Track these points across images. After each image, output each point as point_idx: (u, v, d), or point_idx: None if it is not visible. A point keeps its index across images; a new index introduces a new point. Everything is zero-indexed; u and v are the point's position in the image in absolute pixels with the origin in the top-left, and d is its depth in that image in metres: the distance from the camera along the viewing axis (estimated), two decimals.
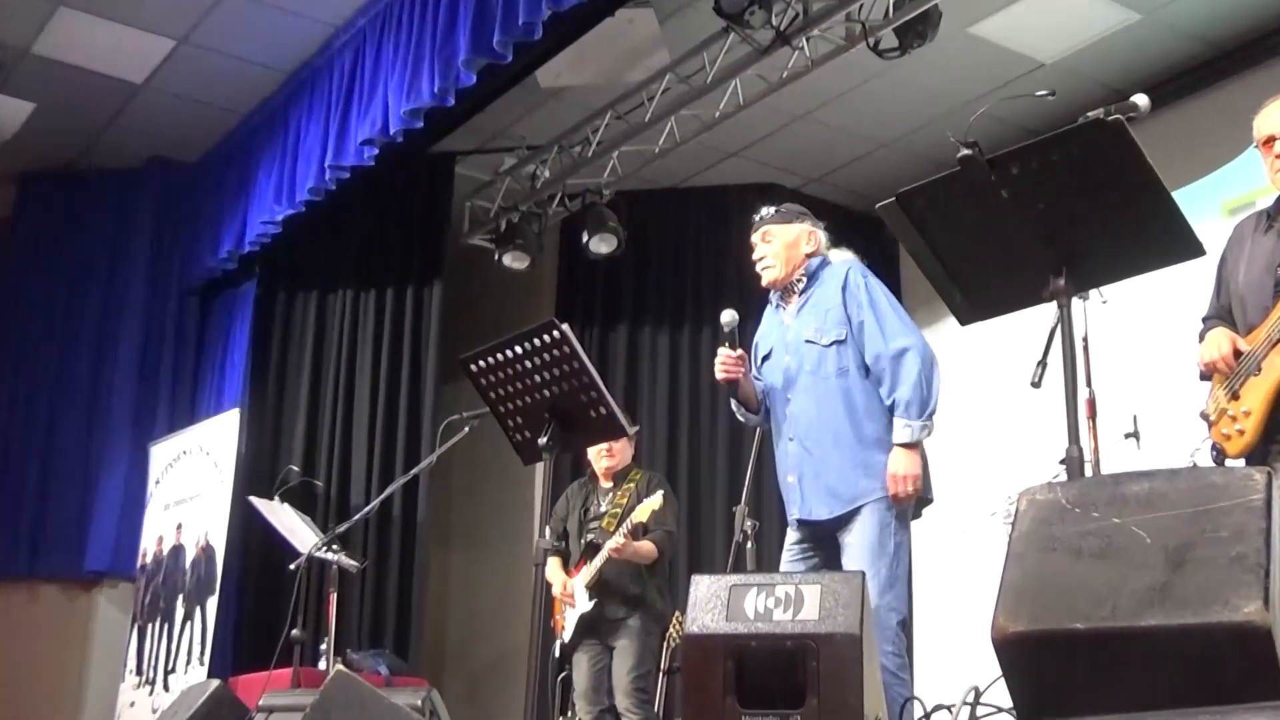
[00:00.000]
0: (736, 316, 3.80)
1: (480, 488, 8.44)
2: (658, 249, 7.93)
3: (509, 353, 3.21)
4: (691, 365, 7.73)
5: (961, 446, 7.17)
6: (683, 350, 7.75)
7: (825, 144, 7.32)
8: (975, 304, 2.81)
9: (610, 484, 5.39)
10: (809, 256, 3.91)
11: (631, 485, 5.32)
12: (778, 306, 3.95)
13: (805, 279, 3.88)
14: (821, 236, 3.97)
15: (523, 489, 7.92)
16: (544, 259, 7.73)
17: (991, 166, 2.55)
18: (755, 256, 3.93)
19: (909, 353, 3.66)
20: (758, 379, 3.93)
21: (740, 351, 3.78)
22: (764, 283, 3.90)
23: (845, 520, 3.64)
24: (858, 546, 3.60)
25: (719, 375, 3.78)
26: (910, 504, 3.64)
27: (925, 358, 3.67)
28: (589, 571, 5.14)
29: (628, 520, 5.06)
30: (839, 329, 3.74)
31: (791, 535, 3.79)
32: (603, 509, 5.32)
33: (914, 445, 3.60)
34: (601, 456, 5.37)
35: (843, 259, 3.92)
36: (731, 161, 7.58)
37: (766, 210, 3.98)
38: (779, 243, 3.90)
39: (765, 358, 3.90)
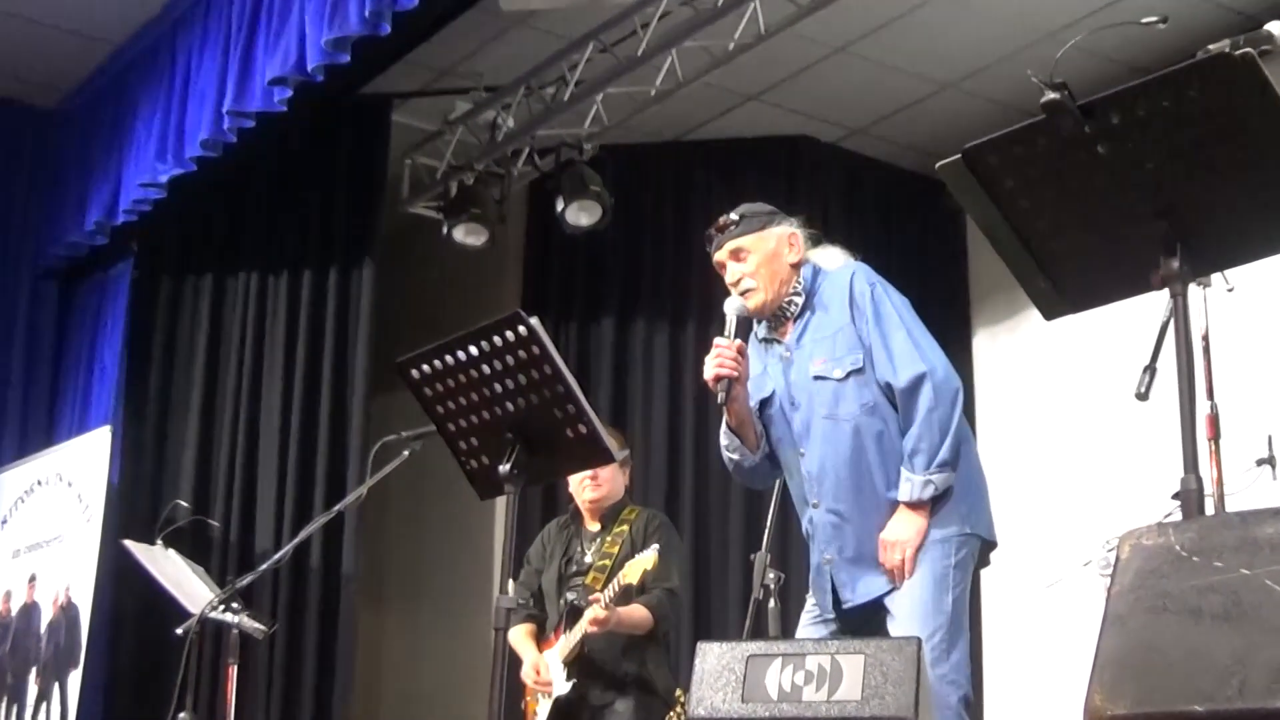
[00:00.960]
0: (745, 306, 3.80)
1: (425, 529, 8.44)
2: (654, 221, 7.95)
3: (461, 354, 3.20)
4: (697, 370, 7.71)
5: (1046, 476, 7.19)
6: (685, 351, 7.76)
7: (871, 85, 7.34)
8: (1065, 293, 2.80)
9: (598, 526, 5.39)
10: (796, 267, 3.91)
11: (624, 529, 5.30)
12: (768, 341, 3.94)
13: (799, 297, 3.88)
14: (801, 237, 3.96)
15: (480, 531, 7.92)
16: (507, 233, 7.74)
17: (1086, 114, 2.55)
18: (730, 280, 3.91)
19: (922, 383, 3.66)
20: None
21: (741, 343, 3.78)
22: (749, 311, 3.89)
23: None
24: (906, 604, 3.61)
25: (710, 370, 3.74)
26: (966, 554, 3.66)
27: (940, 388, 3.65)
28: (567, 644, 5.13)
29: (613, 583, 5.06)
30: (854, 355, 3.74)
31: (815, 604, 3.79)
32: (588, 560, 5.30)
33: (916, 506, 3.61)
34: (585, 488, 5.37)
35: (839, 263, 3.91)
36: (750, 108, 7.60)
37: (725, 220, 3.97)
38: (757, 258, 3.88)
39: (764, 403, 3.90)
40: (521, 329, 3.12)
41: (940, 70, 7.20)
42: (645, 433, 7.57)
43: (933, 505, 3.64)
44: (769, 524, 4.26)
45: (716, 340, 3.75)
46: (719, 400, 3.76)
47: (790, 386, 3.81)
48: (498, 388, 3.20)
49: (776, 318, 3.89)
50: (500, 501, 3.27)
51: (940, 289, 7.63)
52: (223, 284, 7.26)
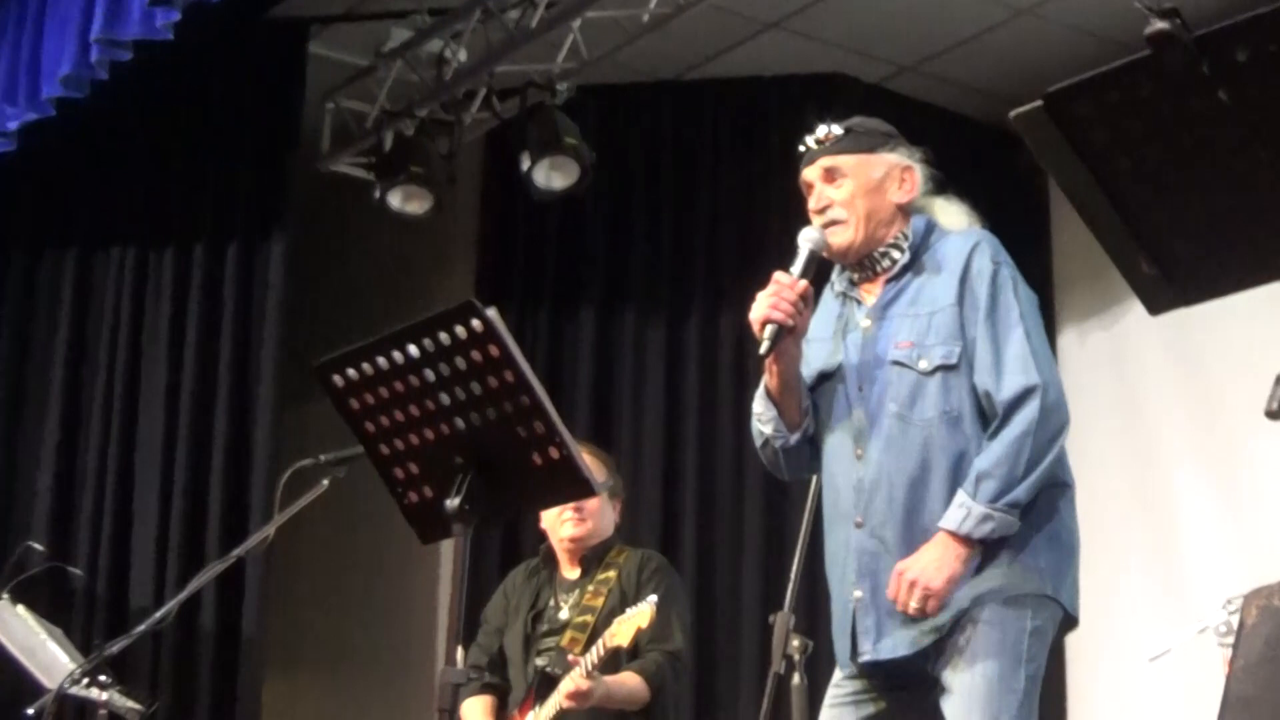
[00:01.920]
0: (826, 241, 3.79)
1: (350, 580, 8.42)
2: (647, 184, 7.96)
3: (398, 356, 3.18)
4: (703, 373, 7.75)
5: (1148, 518, 7.20)
6: (687, 351, 7.77)
7: (925, 8, 7.35)
8: (1176, 279, 2.80)
9: (578, 572, 5.39)
10: (903, 211, 3.91)
11: (612, 575, 5.31)
12: (844, 295, 3.95)
13: (900, 252, 3.88)
14: (920, 176, 3.96)
15: (421, 583, 7.91)
16: (457, 199, 7.74)
17: (1202, 50, 2.55)
18: (814, 206, 3.90)
19: (1028, 399, 3.66)
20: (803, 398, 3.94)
21: (806, 284, 3.77)
22: (830, 250, 3.89)
23: (940, 644, 3.66)
24: (967, 681, 3.60)
25: (761, 309, 3.71)
26: (1047, 622, 3.66)
27: (1048, 412, 3.66)
28: None
29: (596, 645, 5.05)
30: (950, 346, 3.73)
31: (844, 678, 3.80)
32: (563, 615, 5.31)
33: (964, 542, 3.62)
34: (564, 523, 5.38)
35: (962, 227, 3.91)
36: (771, 37, 7.60)
37: (826, 129, 3.96)
38: (854, 184, 3.87)
39: (824, 376, 3.91)
40: (475, 323, 3.11)
41: None
42: (635, 454, 7.57)
43: (994, 554, 3.64)
44: (794, 574, 4.25)
45: (777, 275, 3.75)
46: (761, 351, 3.76)
47: (859, 366, 3.82)
48: (445, 399, 3.19)
49: (864, 268, 3.88)
50: (447, 545, 3.27)
51: None
52: (90, 262, 7.26)
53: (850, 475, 3.79)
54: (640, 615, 4.98)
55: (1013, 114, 2.73)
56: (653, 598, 5.01)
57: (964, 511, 3.60)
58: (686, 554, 7.45)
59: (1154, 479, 7.27)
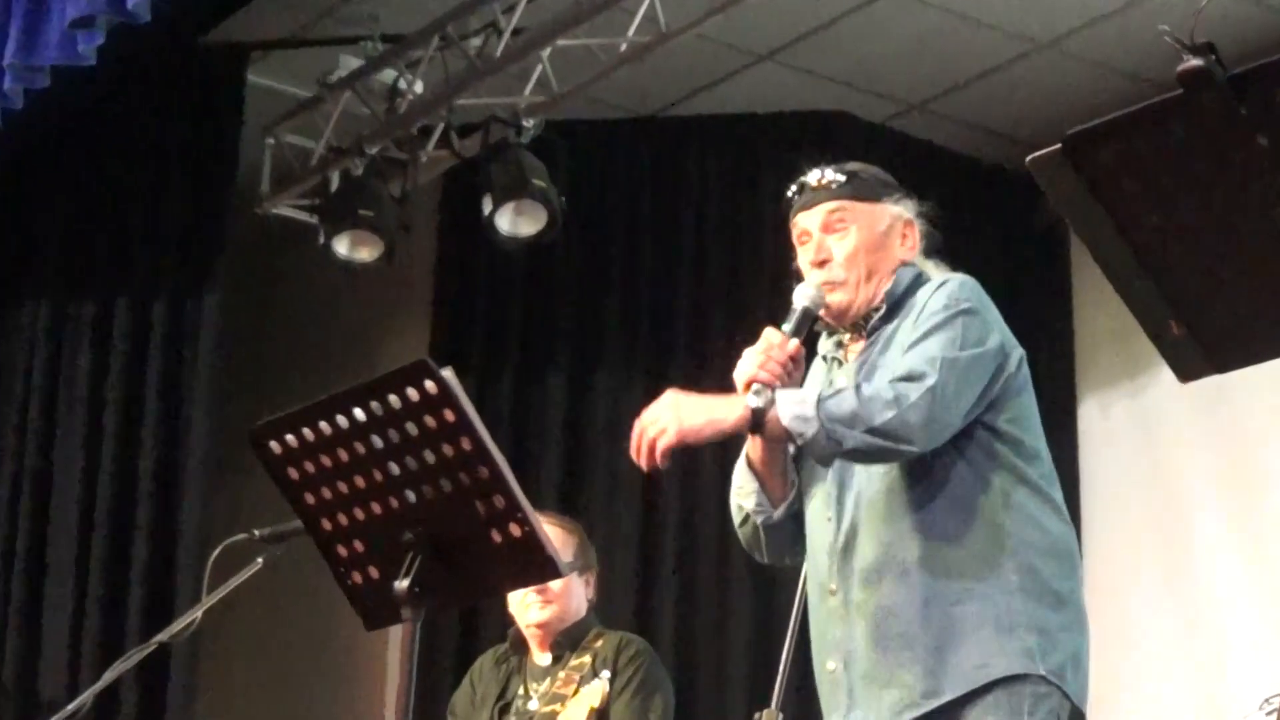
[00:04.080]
0: (824, 299, 3.80)
1: (288, 670, 8.38)
2: (625, 231, 7.97)
3: (342, 421, 3.18)
4: (685, 450, 7.72)
5: (1175, 606, 7.19)
6: None
7: (934, 43, 7.39)
8: (1208, 342, 2.81)
9: (549, 656, 5.39)
10: (899, 268, 3.92)
11: (586, 661, 5.31)
12: (831, 358, 3.97)
13: (885, 308, 3.89)
14: (919, 231, 3.98)
15: (367, 673, 7.88)
16: (412, 246, 7.74)
17: (1239, 90, 2.57)
18: (813, 259, 3.90)
19: (918, 379, 3.64)
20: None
21: (799, 345, 3.76)
22: (828, 310, 3.88)
23: None
24: None
25: (748, 369, 3.70)
26: (1047, 715, 3.64)
27: (931, 404, 3.65)
28: None
29: None
30: None
31: None
32: (532, 705, 5.31)
33: (753, 408, 3.61)
34: (529, 606, 5.38)
35: (941, 273, 3.92)
36: (763, 71, 7.64)
37: (821, 173, 3.97)
38: (859, 238, 3.87)
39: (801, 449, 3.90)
40: (429, 385, 3.11)
41: (1032, 25, 7.26)
42: (609, 535, 7.55)
43: (978, 624, 3.62)
44: (783, 666, 4.25)
45: (767, 332, 3.75)
46: (750, 422, 3.74)
47: None
48: (394, 469, 3.19)
49: (856, 328, 3.90)
50: (395, 632, 3.25)
51: (1031, 336, 7.65)
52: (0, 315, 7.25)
53: (824, 541, 3.80)
54: (593, 694, 4.99)
55: (1030, 159, 2.74)
56: (606, 674, 5.04)
57: (793, 400, 3.62)
58: (664, 642, 7.42)
59: (1185, 563, 7.27)
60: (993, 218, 7.91)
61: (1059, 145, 2.72)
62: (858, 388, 3.61)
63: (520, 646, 5.46)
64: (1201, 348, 2.83)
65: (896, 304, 3.87)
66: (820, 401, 3.58)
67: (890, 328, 3.84)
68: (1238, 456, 7.09)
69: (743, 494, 3.92)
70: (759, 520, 3.91)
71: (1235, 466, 7.12)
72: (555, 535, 5.44)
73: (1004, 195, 7.77)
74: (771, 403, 3.68)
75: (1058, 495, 3.83)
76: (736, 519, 3.97)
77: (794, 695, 4.32)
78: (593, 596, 5.55)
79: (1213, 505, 7.20)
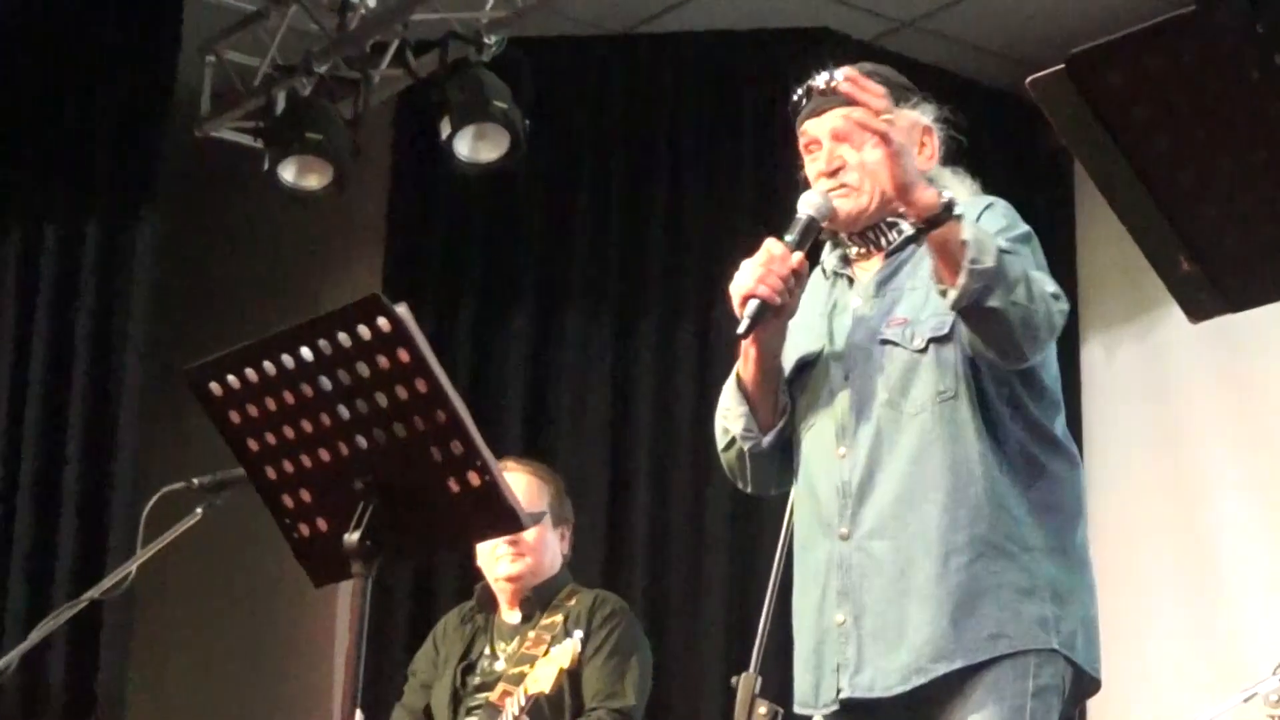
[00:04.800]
0: (831, 207, 3.79)
1: (230, 628, 8.40)
2: (593, 157, 7.97)
3: (288, 360, 3.18)
4: (658, 387, 7.76)
5: (1184, 568, 7.23)
6: (641, 358, 7.79)
7: None
8: (1221, 280, 2.81)
9: (519, 615, 5.40)
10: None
11: (559, 620, 5.33)
12: (836, 274, 3.96)
13: (906, 222, 3.87)
14: (938, 138, 3.97)
15: (315, 633, 7.90)
16: (363, 173, 7.72)
17: (1256, 5, 2.57)
18: (824, 168, 3.89)
19: (1058, 297, 3.70)
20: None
21: (801, 257, 3.74)
22: (836, 218, 3.87)
23: (938, 697, 3.68)
24: None
25: (745, 283, 3.69)
26: (1050, 680, 3.67)
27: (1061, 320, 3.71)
28: None
29: (516, 694, 5.07)
30: (944, 316, 3.73)
31: None
32: (498, 665, 5.34)
33: (947, 211, 3.57)
34: (500, 559, 5.41)
35: (970, 194, 3.92)
36: None
37: (839, 73, 3.94)
38: (872, 140, 3.88)
39: (801, 366, 3.93)
40: (382, 322, 3.11)
41: None
42: (576, 483, 7.49)
43: (984, 596, 3.64)
44: (763, 626, 4.26)
45: (768, 243, 3.72)
46: (739, 330, 3.72)
47: (850, 348, 3.83)
48: (344, 413, 3.20)
49: (867, 240, 3.89)
50: (345, 589, 3.25)
51: None
52: None
53: (833, 478, 3.79)
54: (563, 655, 5.01)
55: (1030, 80, 2.74)
56: (578, 633, 5.07)
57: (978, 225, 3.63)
58: (635, 600, 7.43)
59: (1194, 517, 7.31)
60: (990, 145, 7.89)
61: (1062, 65, 2.72)
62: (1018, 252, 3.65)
63: (488, 603, 5.48)
64: (1214, 285, 2.84)
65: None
66: (999, 248, 3.57)
67: (919, 251, 3.80)
68: (1252, 402, 7.12)
69: (730, 416, 3.91)
70: (746, 446, 3.90)
71: (1250, 414, 7.14)
72: (529, 484, 5.47)
73: (1002, 120, 7.76)
74: (765, 315, 3.69)
75: (1073, 446, 3.86)
76: (721, 442, 3.96)
77: (776, 657, 4.33)
78: (568, 552, 5.56)
79: (1225, 455, 7.23)
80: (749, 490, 4.05)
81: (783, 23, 7.74)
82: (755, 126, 7.74)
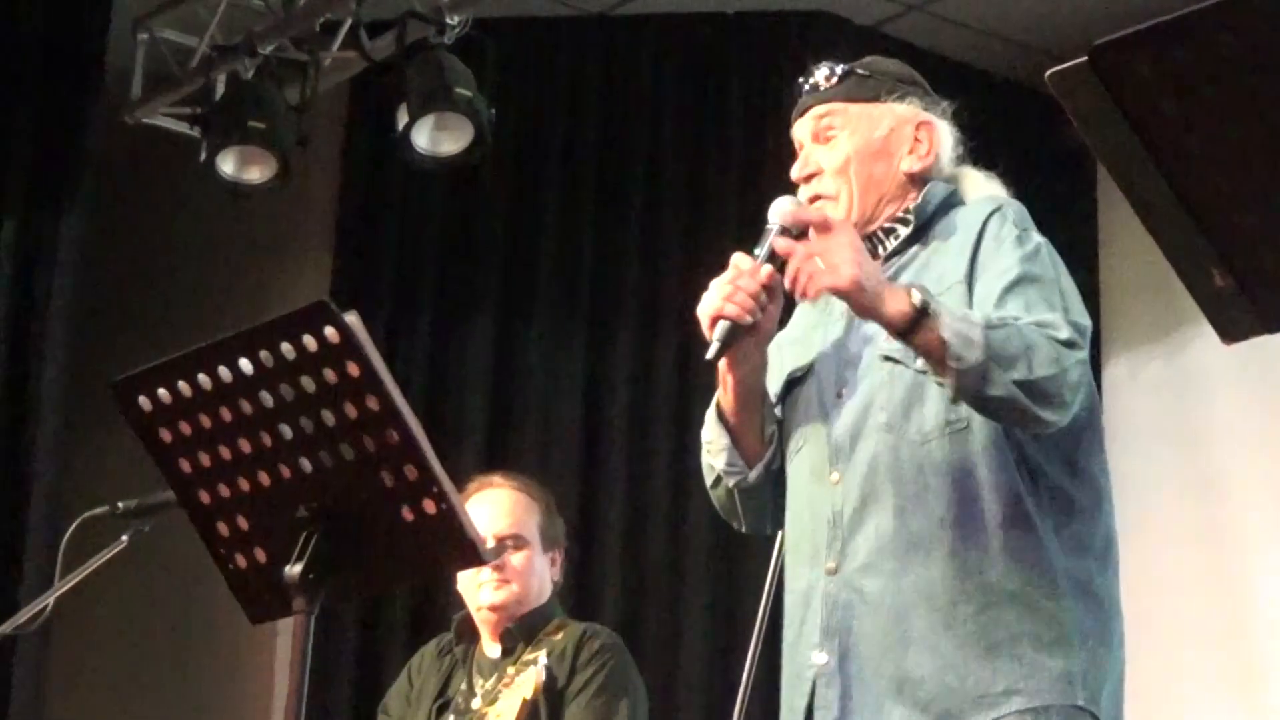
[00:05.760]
0: (795, 208, 3.77)
1: (157, 667, 8.39)
2: (564, 150, 7.99)
3: (225, 373, 3.19)
4: (634, 403, 7.77)
5: (1219, 593, 7.25)
6: (615, 372, 7.81)
7: None
8: (1258, 295, 2.82)
9: (499, 648, 5.42)
10: (914, 178, 3.93)
11: (541, 655, 5.33)
12: None
13: (905, 226, 3.88)
14: (944, 134, 3.97)
15: (254, 672, 7.90)
16: (311, 166, 7.74)
17: None
18: (797, 173, 3.92)
19: (1071, 342, 3.67)
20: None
21: (772, 271, 3.73)
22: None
23: None
24: None
25: (711, 304, 3.68)
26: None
27: (1087, 367, 3.68)
28: None
29: None
30: None
31: None
32: (475, 704, 5.36)
33: (915, 305, 3.51)
34: (483, 586, 5.40)
35: (985, 193, 3.92)
36: None
37: (818, 74, 3.96)
38: (850, 145, 3.88)
39: (790, 384, 3.94)
40: (329, 331, 3.12)
41: None
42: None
43: (1007, 642, 3.63)
44: (749, 667, 4.29)
45: (736, 259, 3.72)
46: (708, 355, 3.72)
47: (845, 363, 3.83)
48: (286, 432, 3.20)
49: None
50: (286, 624, 3.25)
51: None
52: None
53: (823, 505, 3.78)
54: (525, 683, 5.01)
55: (1050, 73, 2.75)
56: (543, 661, 5.05)
57: (957, 314, 3.56)
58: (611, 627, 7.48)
59: (1224, 542, 7.34)
60: (1005, 142, 7.84)
61: (1085, 57, 2.73)
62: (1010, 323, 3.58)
63: (468, 634, 5.48)
64: (1250, 301, 2.84)
65: (924, 226, 3.88)
66: (987, 326, 3.53)
67: (924, 254, 3.84)
68: None
69: (712, 451, 3.91)
70: (731, 483, 3.91)
71: None
72: (515, 501, 5.48)
73: (1018, 116, 7.78)
74: (736, 336, 3.68)
75: (1107, 480, 3.84)
76: (708, 479, 3.97)
77: (760, 699, 4.34)
78: (559, 578, 5.56)
79: (1262, 492, 7.24)
80: (744, 529, 4.05)
81: (776, 4, 7.77)
82: (743, 120, 7.76)
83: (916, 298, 3.51)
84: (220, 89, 7.59)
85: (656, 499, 7.66)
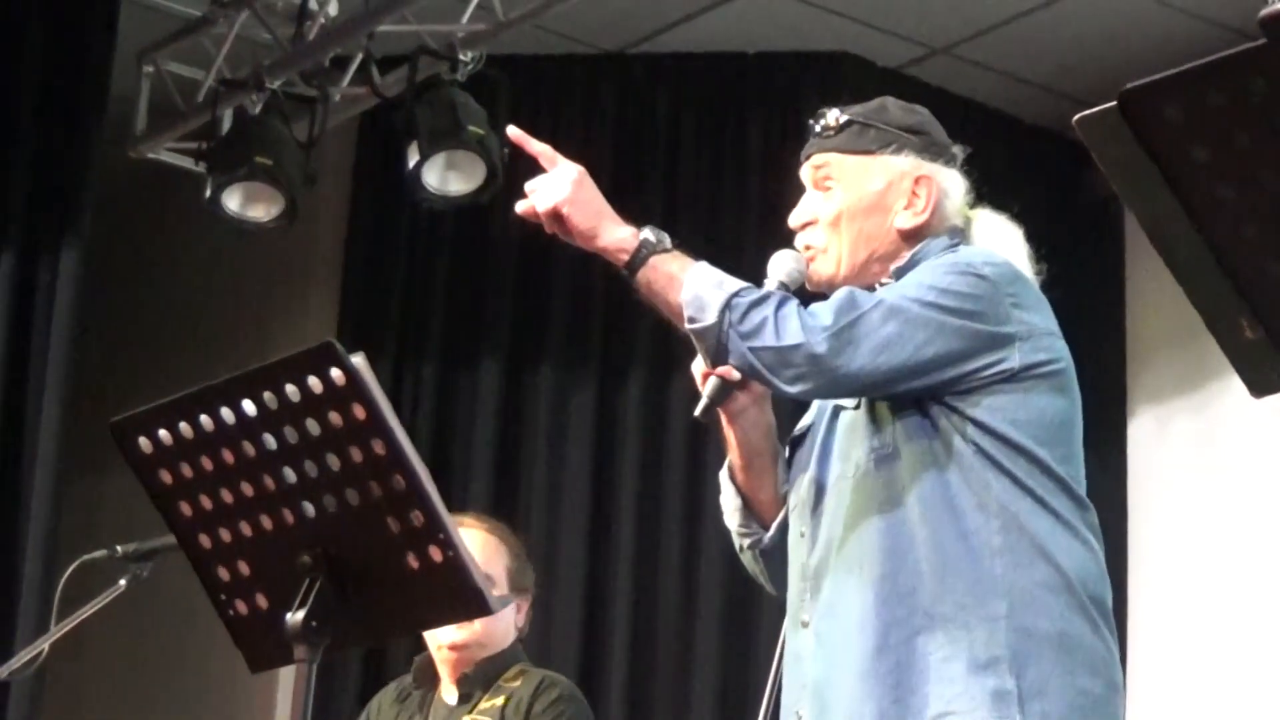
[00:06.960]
0: (801, 270, 3.83)
1: (155, 714, 8.37)
2: None
3: (227, 414, 3.19)
4: (645, 449, 7.76)
5: (1253, 666, 7.23)
6: (625, 417, 7.80)
7: None
8: None
9: (457, 694, 5.43)
10: (908, 234, 3.94)
11: (499, 703, 5.34)
12: None
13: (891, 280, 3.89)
14: (946, 185, 3.97)
15: (252, 717, 7.88)
16: (319, 204, 7.74)
17: None
18: (794, 221, 3.95)
19: (848, 315, 3.63)
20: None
21: None
22: (812, 283, 3.89)
23: None
24: None
25: (702, 363, 3.78)
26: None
27: (856, 339, 3.63)
28: None
29: None
30: None
31: None
32: None
33: (641, 252, 3.88)
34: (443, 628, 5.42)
35: (992, 240, 3.93)
36: (755, 2, 7.66)
37: (825, 118, 3.97)
38: (843, 200, 3.88)
39: (794, 444, 3.95)
40: (335, 373, 3.12)
41: None
42: (550, 557, 7.57)
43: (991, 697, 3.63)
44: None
45: None
46: (695, 412, 3.81)
47: (821, 420, 3.87)
48: (290, 476, 3.20)
49: None
50: (286, 673, 3.25)
51: (1075, 334, 7.63)
52: None
53: (797, 562, 3.82)
54: None
55: (1078, 118, 2.75)
56: (497, 704, 5.07)
57: (710, 279, 3.77)
58: (613, 688, 7.47)
59: (1259, 610, 7.30)
60: (1030, 189, 7.91)
61: (1114, 102, 2.73)
62: (787, 301, 3.66)
63: (427, 678, 5.49)
64: None
65: (899, 277, 3.86)
66: (738, 293, 3.67)
67: None
68: None
69: (728, 513, 3.95)
70: (746, 544, 3.94)
71: None
72: (485, 542, 5.48)
73: (1044, 161, 7.79)
74: (726, 393, 3.75)
75: (1085, 517, 3.81)
76: (736, 545, 3.99)
77: None
78: (523, 625, 5.55)
79: None
80: (776, 593, 4.06)
81: (796, 46, 7.77)
82: (762, 162, 7.76)
83: (633, 243, 3.95)
84: (226, 124, 7.59)
85: (668, 551, 7.64)
